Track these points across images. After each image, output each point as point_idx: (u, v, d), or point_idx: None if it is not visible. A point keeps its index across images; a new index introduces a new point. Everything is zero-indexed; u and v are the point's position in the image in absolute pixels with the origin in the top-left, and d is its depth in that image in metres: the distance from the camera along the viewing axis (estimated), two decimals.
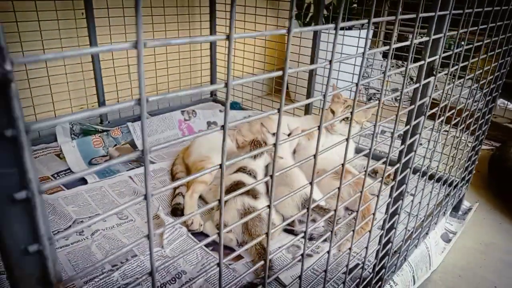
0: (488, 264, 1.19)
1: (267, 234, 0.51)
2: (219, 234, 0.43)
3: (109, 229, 1.16)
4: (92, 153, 1.52)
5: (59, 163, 1.50)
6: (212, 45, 2.05)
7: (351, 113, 0.55)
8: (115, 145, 1.58)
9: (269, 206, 0.49)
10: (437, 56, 0.73)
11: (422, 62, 0.69)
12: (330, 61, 0.46)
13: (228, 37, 0.33)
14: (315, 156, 0.52)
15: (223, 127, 0.37)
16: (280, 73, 0.41)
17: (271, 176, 0.47)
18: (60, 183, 0.30)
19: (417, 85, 0.70)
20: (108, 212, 0.33)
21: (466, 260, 1.20)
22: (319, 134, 0.51)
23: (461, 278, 1.14)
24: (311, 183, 0.54)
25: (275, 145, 0.44)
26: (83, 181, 1.39)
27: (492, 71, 1.08)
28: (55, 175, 1.42)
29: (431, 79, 0.74)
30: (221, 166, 0.39)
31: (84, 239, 1.11)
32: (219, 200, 0.42)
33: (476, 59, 0.95)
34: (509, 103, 2.27)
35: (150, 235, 0.35)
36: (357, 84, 0.53)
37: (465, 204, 1.43)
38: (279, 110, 0.43)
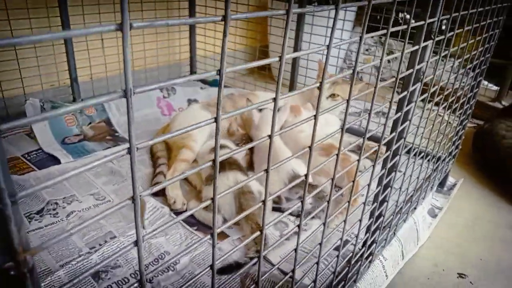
0: (474, 238, 1.19)
1: (263, 202, 0.46)
2: (213, 200, 0.38)
3: (85, 210, 1.09)
4: (65, 132, 1.43)
5: (29, 143, 1.40)
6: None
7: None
8: (89, 123, 1.49)
9: (266, 171, 0.44)
10: (436, 18, 0.69)
11: (422, 22, 0.65)
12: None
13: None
14: (315, 116, 0.47)
15: (218, 71, 0.32)
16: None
17: (270, 136, 0.42)
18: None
19: (416, 47, 0.66)
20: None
21: (453, 235, 1.20)
22: (319, 97, 0.46)
23: (448, 252, 1.13)
24: (310, 147, 0.49)
25: (270, 136, 0.39)
26: (56, 161, 1.30)
27: (482, 43, 1.06)
28: (26, 155, 1.33)
29: (429, 42, 0.71)
30: (214, 161, 0.34)
31: (59, 221, 1.04)
32: (213, 161, 0.36)
33: (469, 27, 0.91)
34: (489, 84, 2.29)
35: (136, 197, 0.30)
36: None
37: (450, 180, 1.43)
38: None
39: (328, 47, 0.44)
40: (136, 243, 0.33)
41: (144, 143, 0.30)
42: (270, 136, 0.42)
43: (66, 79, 1.66)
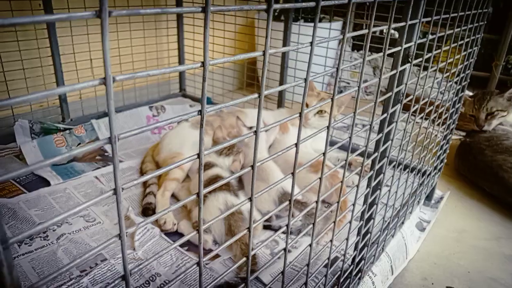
0: (462, 251, 1.21)
1: (249, 229, 0.47)
2: (198, 231, 0.40)
3: (75, 232, 1.09)
4: (54, 153, 1.44)
5: (18, 165, 1.40)
6: (180, 30, 1.99)
7: (332, 99, 0.52)
8: (79, 143, 1.50)
9: (250, 199, 0.45)
10: (413, 43, 0.72)
11: (399, 48, 0.67)
12: (311, 43, 0.43)
13: (205, 9, 0.29)
14: (296, 145, 0.49)
15: (200, 112, 0.34)
16: (260, 53, 0.38)
17: (252, 167, 0.43)
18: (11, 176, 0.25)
19: (394, 71, 0.69)
20: (71, 210, 0.29)
21: (441, 248, 1.22)
22: (300, 121, 0.48)
23: (436, 265, 1.15)
24: (293, 173, 0.51)
25: (255, 132, 0.41)
26: (45, 183, 1.30)
27: (461, 61, 1.10)
28: (15, 178, 1.33)
29: (407, 66, 0.73)
30: (198, 155, 0.36)
31: (49, 244, 1.04)
32: (197, 194, 0.38)
33: (447, 47, 0.95)
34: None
35: (122, 235, 0.31)
36: (337, 69, 0.51)
37: (437, 193, 1.45)
38: (259, 95, 0.40)
39: (306, 80, 0.46)
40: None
41: (129, 184, 0.31)
42: (252, 167, 0.43)
43: (55, 100, 1.66)
